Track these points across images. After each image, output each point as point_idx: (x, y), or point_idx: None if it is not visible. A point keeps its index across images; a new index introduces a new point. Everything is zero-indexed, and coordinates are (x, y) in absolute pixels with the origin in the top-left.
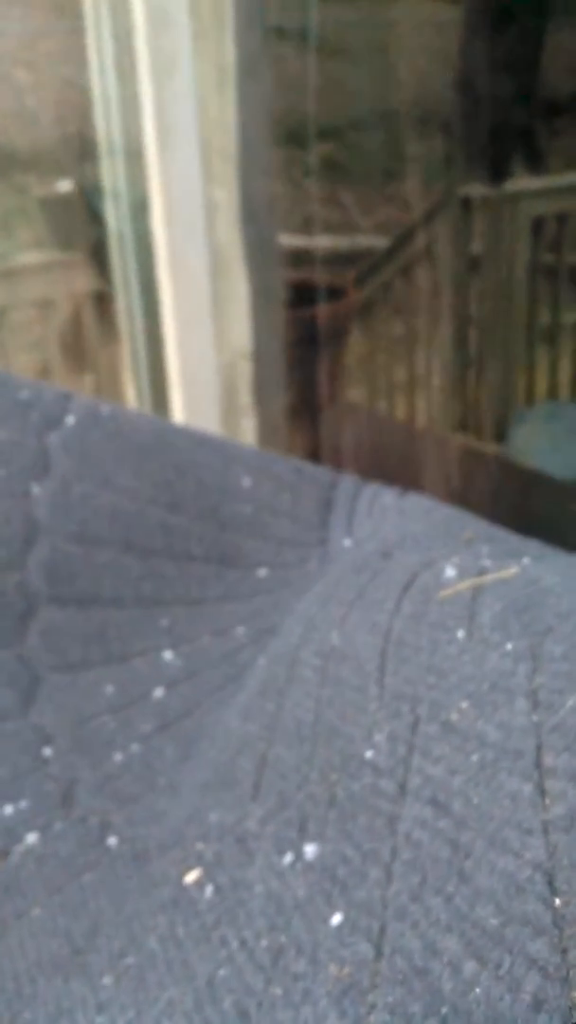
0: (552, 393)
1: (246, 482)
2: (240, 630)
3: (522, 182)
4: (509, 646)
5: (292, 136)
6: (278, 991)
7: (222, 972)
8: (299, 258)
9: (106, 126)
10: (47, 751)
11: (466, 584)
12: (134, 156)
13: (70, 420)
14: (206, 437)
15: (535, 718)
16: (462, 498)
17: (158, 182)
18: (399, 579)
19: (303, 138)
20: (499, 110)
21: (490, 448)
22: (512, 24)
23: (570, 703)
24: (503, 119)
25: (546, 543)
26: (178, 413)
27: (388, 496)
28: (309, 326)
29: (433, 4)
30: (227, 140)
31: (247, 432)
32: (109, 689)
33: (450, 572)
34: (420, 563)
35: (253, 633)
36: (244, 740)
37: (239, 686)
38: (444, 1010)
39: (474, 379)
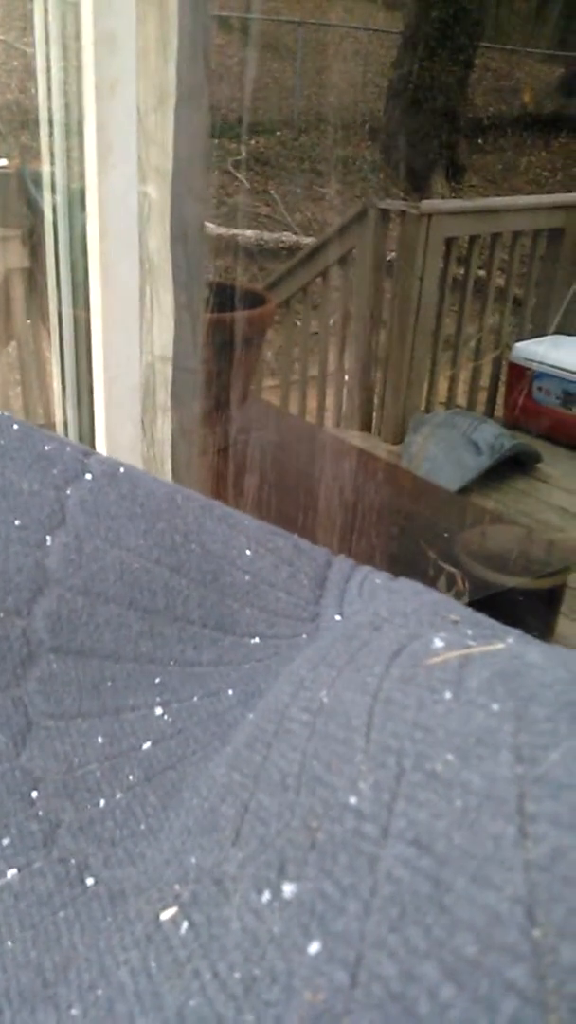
0: (451, 401)
1: (247, 552)
2: (229, 693)
3: (439, 203)
4: (495, 707)
5: (226, 128)
6: (249, 1018)
7: (193, 1002)
8: (225, 248)
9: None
10: (34, 794)
11: (454, 654)
12: (73, 161)
13: (88, 476)
14: (213, 504)
15: (519, 770)
16: (356, 498)
17: (96, 195)
18: (388, 647)
19: (237, 131)
20: (426, 124)
21: (388, 450)
22: (446, 41)
23: (553, 757)
24: (429, 133)
25: (427, 549)
26: (101, 407)
27: (379, 578)
28: (227, 331)
29: (375, 9)
30: (163, 159)
31: (162, 430)
32: (99, 740)
33: (438, 643)
34: (409, 635)
35: (242, 696)
36: (228, 788)
37: (224, 742)
38: None
39: (380, 382)
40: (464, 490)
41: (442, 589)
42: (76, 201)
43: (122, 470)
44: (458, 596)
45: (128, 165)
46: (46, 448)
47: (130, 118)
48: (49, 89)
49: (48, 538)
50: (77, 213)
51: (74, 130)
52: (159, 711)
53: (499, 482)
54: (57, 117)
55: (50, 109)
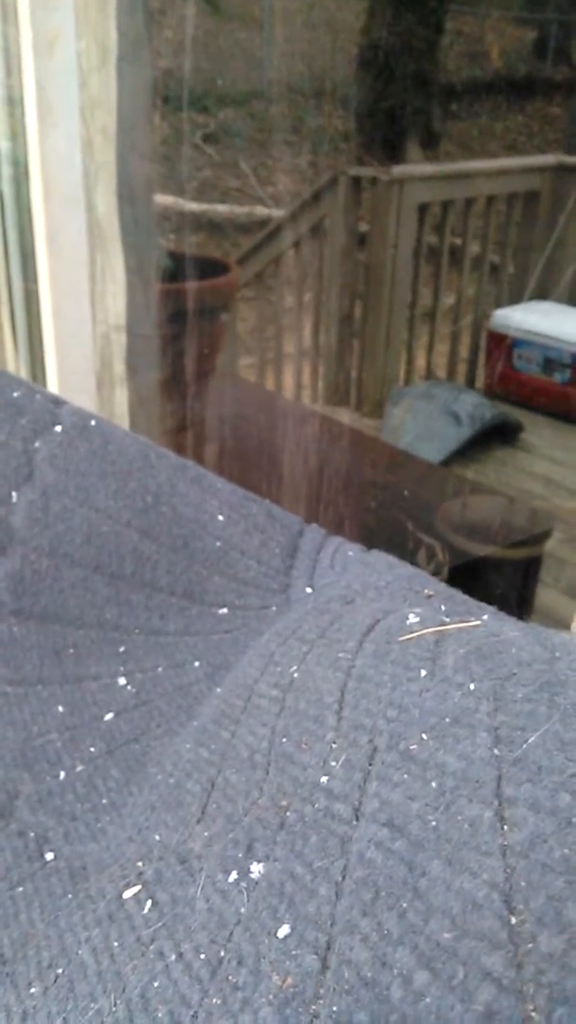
0: (430, 372)
1: (220, 517)
2: (196, 664)
3: (410, 168)
4: (472, 686)
5: (193, 101)
6: (216, 1001)
7: (156, 984)
8: (196, 224)
9: None
10: None
11: (429, 631)
12: (17, 122)
13: (58, 429)
14: (187, 465)
15: (496, 751)
16: (332, 472)
17: (38, 156)
18: (362, 622)
19: (205, 104)
20: (398, 91)
21: (367, 425)
22: (415, 6)
23: (532, 739)
24: (401, 100)
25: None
26: (54, 380)
27: (352, 550)
28: (190, 301)
29: None
30: (108, 118)
31: (120, 402)
32: (60, 708)
33: (413, 619)
34: (382, 610)
35: (208, 669)
36: (194, 764)
37: (191, 716)
38: (392, 1018)
39: (357, 356)
40: (446, 462)
41: (422, 561)
42: (23, 171)
43: (93, 423)
44: (438, 568)
45: (71, 125)
46: (15, 395)
47: (71, 76)
48: None
49: (14, 494)
50: (24, 183)
51: (17, 96)
52: (122, 681)
53: (481, 453)
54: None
55: None
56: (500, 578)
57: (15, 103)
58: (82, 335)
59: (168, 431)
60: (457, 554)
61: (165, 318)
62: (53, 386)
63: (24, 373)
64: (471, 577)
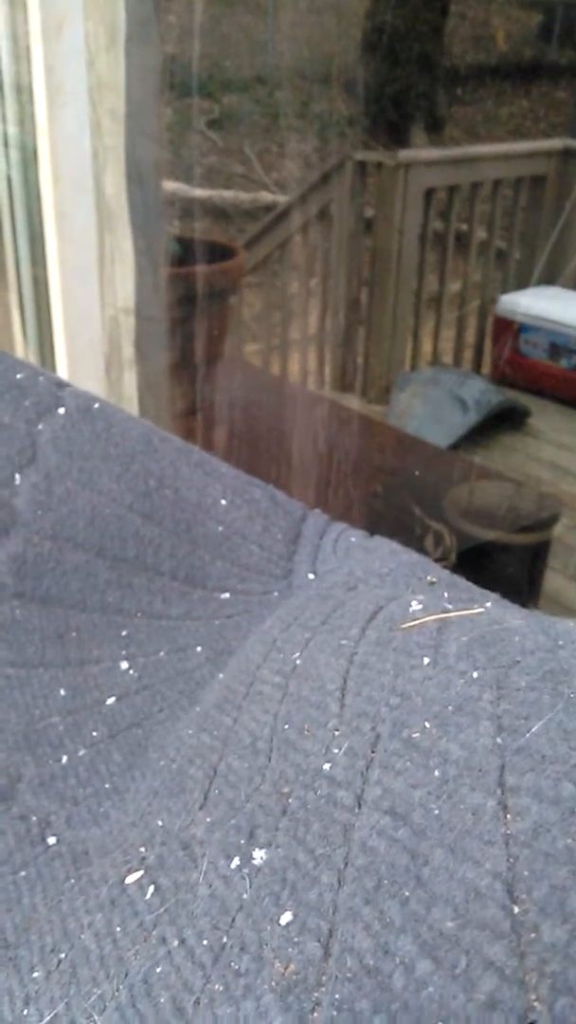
0: (436, 358)
1: (223, 502)
2: (198, 649)
3: (416, 152)
4: (475, 674)
5: (198, 86)
6: (218, 987)
7: (159, 969)
8: (201, 210)
9: None
10: None
11: (432, 618)
12: (25, 108)
13: (61, 411)
14: (190, 449)
15: (499, 740)
16: (339, 457)
17: (47, 139)
18: (364, 609)
19: (209, 90)
20: (402, 75)
21: (373, 411)
22: None
23: (535, 728)
24: (406, 84)
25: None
26: (63, 363)
27: (354, 536)
28: (195, 284)
29: None
30: (116, 100)
31: (129, 385)
32: (62, 692)
33: (416, 606)
34: (385, 596)
35: (211, 654)
36: (196, 750)
37: (193, 701)
38: (394, 1007)
39: (363, 341)
40: (453, 448)
41: (430, 546)
42: (32, 154)
43: (97, 405)
44: (446, 552)
45: (79, 107)
46: (18, 377)
47: (79, 58)
48: None
49: (17, 476)
50: (32, 166)
51: (25, 83)
52: (124, 665)
53: (488, 438)
54: (7, 70)
55: None
56: (508, 563)
57: (23, 90)
58: (91, 318)
59: (176, 414)
60: (465, 539)
61: (174, 301)
62: (62, 369)
63: (33, 356)
64: (479, 562)
